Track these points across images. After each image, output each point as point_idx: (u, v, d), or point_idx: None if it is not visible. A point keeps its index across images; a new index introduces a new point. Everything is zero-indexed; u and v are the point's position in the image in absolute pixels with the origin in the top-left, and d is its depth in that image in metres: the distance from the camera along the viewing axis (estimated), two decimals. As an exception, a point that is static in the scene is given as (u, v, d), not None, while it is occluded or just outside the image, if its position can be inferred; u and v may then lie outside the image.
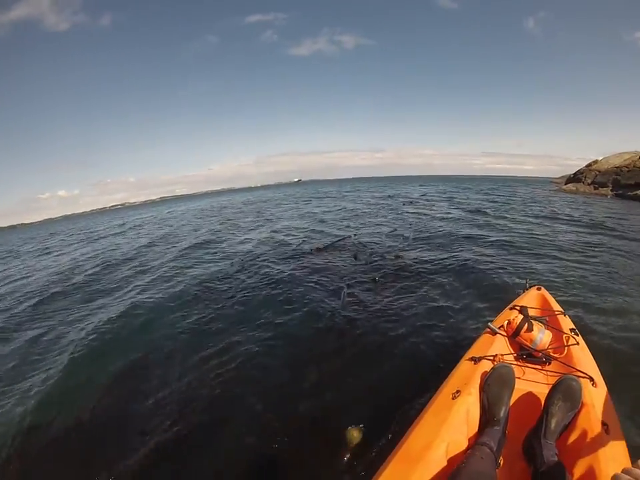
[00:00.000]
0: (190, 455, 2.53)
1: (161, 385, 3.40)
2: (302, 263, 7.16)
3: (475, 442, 1.51)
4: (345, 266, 6.76)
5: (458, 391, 1.72)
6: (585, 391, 1.64)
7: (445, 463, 1.40)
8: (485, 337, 2.25)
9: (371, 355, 3.61)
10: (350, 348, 3.75)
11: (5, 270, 12.28)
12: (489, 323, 2.31)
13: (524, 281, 3.30)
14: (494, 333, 2.22)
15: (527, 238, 8.93)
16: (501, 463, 1.52)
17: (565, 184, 30.83)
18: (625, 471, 0.85)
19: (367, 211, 16.75)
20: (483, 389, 1.71)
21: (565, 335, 2.15)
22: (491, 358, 1.95)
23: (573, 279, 5.52)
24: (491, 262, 6.54)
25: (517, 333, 2.13)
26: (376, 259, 7.17)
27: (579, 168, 30.97)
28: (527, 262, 6.54)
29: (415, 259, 7.04)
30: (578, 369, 1.85)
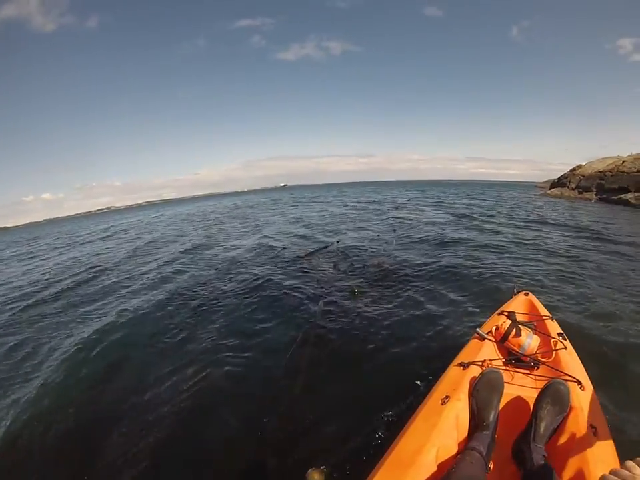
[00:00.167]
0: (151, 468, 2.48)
1: (127, 397, 3.34)
2: (282, 272, 6.98)
3: (465, 447, 1.51)
4: (325, 275, 6.57)
5: (447, 397, 1.72)
6: (573, 395, 1.65)
7: (435, 468, 1.40)
8: (473, 343, 2.25)
9: (350, 365, 3.52)
10: (327, 359, 3.67)
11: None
12: (477, 329, 2.32)
13: (512, 287, 3.33)
14: (482, 338, 2.23)
15: (513, 242, 9.00)
16: (491, 467, 1.52)
17: (550, 188, 31.32)
18: (612, 472, 0.85)
19: (351, 216, 16.64)
20: (472, 394, 1.72)
21: (553, 340, 2.18)
22: (480, 363, 1.96)
23: (560, 283, 5.57)
24: (478, 267, 6.54)
25: (505, 338, 2.14)
26: (357, 266, 7.02)
27: (561, 172, 31.55)
28: (515, 267, 6.56)
29: (397, 265, 6.94)
30: (566, 372, 1.87)
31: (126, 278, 7.94)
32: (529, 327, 2.25)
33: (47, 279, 9.13)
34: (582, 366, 2.04)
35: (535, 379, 1.96)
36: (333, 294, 5.48)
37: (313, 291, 5.65)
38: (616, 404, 2.53)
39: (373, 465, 1.48)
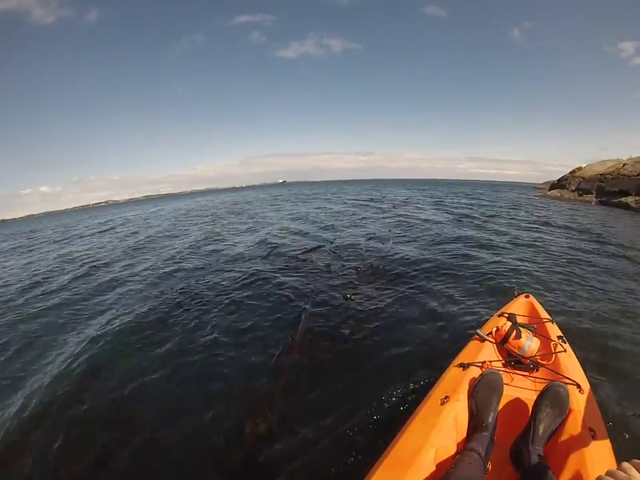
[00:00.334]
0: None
1: (106, 395, 3.33)
2: (273, 272, 6.71)
3: (464, 447, 1.52)
4: (318, 277, 6.31)
5: (447, 397, 1.74)
6: (572, 398, 1.66)
7: (433, 468, 1.41)
8: (473, 344, 2.27)
9: (339, 370, 3.37)
10: (312, 364, 3.51)
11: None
12: (478, 330, 2.33)
13: (512, 288, 3.34)
14: (482, 339, 2.24)
15: (514, 243, 9.02)
16: (489, 469, 1.53)
17: (549, 190, 31.40)
18: (608, 473, 0.86)
19: (349, 214, 16.49)
20: (471, 395, 1.73)
21: (553, 342, 2.19)
22: (480, 364, 1.97)
23: (560, 286, 5.58)
24: (477, 268, 6.52)
25: (505, 340, 2.16)
26: (351, 267, 6.79)
27: (560, 174, 31.63)
28: (515, 268, 6.56)
29: (392, 266, 6.81)
30: (565, 375, 1.88)
31: (122, 274, 7.85)
32: (529, 329, 2.26)
33: (41, 274, 9.04)
34: (581, 369, 2.06)
35: (535, 381, 1.97)
36: (324, 297, 5.30)
37: (303, 294, 5.46)
38: (613, 407, 2.55)
39: (371, 465, 1.48)
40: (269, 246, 9.28)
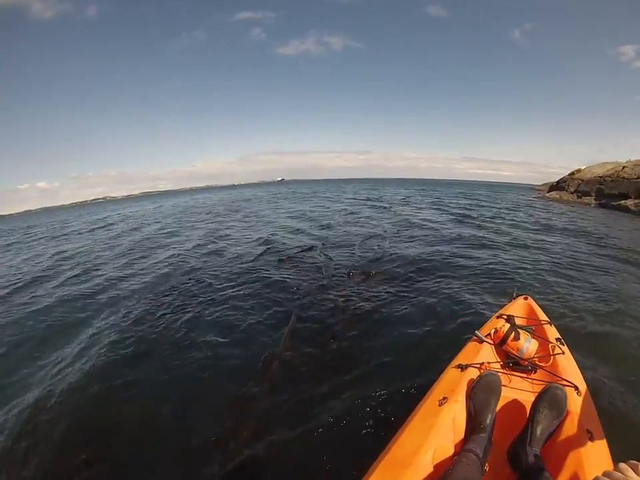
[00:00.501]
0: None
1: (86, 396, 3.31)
2: (260, 275, 6.48)
3: (462, 448, 1.53)
4: (309, 279, 6.12)
5: (445, 398, 1.74)
6: (570, 400, 1.68)
7: (431, 469, 1.42)
8: (471, 345, 2.28)
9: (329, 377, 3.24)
10: (292, 390, 3.17)
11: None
12: (476, 331, 2.35)
13: (511, 290, 3.36)
14: (481, 341, 2.26)
15: (513, 245, 9.06)
16: (487, 470, 1.54)
17: (548, 191, 31.52)
18: (605, 474, 0.88)
19: (346, 214, 16.39)
20: (469, 396, 1.74)
21: (551, 344, 2.21)
22: (478, 366, 1.98)
23: (560, 288, 5.61)
24: (476, 270, 6.54)
25: (503, 341, 2.17)
26: (343, 270, 6.56)
27: (559, 176, 31.80)
28: (514, 270, 6.59)
29: (387, 268, 6.65)
30: (563, 377, 1.90)
31: (113, 274, 7.70)
32: (527, 331, 2.27)
33: (35, 273, 8.83)
34: (579, 371, 2.07)
35: (533, 383, 1.99)
36: (315, 298, 5.18)
37: (294, 295, 5.33)
38: (611, 409, 2.57)
39: (369, 465, 1.49)
40: (263, 246, 9.21)
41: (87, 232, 17.42)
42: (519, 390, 1.93)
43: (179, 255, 8.92)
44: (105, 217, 26.46)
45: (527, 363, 2.08)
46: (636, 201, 19.68)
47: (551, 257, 7.82)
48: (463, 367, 1.98)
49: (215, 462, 2.42)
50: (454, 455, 1.54)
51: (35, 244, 15.48)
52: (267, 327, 4.41)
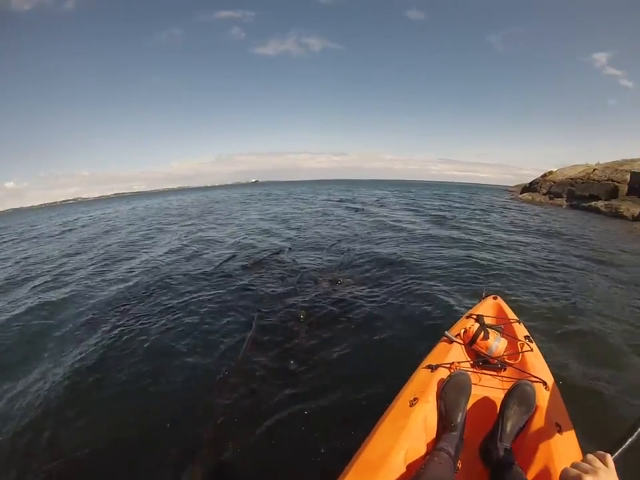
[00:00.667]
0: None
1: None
2: (225, 281, 6.30)
3: (433, 448, 1.57)
4: (271, 289, 5.81)
5: (415, 399, 1.78)
6: (539, 395, 1.74)
7: (404, 470, 1.45)
8: (441, 346, 2.34)
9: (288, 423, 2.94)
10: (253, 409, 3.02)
11: None
12: (446, 332, 2.41)
13: (481, 290, 3.44)
14: (450, 341, 2.32)
15: (485, 245, 9.30)
16: (459, 467, 1.58)
17: (521, 193, 32.36)
18: (573, 465, 0.93)
19: (318, 215, 16.43)
20: (440, 396, 1.78)
21: (520, 342, 2.29)
22: (448, 365, 2.03)
23: (529, 287, 5.83)
24: (447, 270, 6.68)
25: (473, 340, 2.23)
26: (309, 280, 6.26)
27: (532, 177, 32.79)
28: (485, 270, 6.79)
29: (355, 273, 6.58)
30: (532, 374, 1.97)
31: (81, 281, 7.35)
32: (496, 330, 2.34)
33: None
34: (547, 367, 2.16)
35: (502, 381, 2.05)
36: (274, 314, 4.88)
37: (247, 314, 4.93)
38: (579, 402, 2.67)
39: (342, 469, 1.51)
40: (232, 249, 9.13)
41: (57, 235, 16.68)
42: (489, 388, 1.99)
43: (146, 260, 8.67)
44: (76, 219, 25.35)
45: (496, 361, 2.15)
46: (606, 202, 20.56)
47: (521, 257, 8.08)
48: (433, 368, 2.02)
49: (175, 473, 2.40)
50: (426, 454, 1.57)
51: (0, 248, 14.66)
52: (228, 336, 4.31)
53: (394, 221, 13.75)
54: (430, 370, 2.02)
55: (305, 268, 7.02)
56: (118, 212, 29.26)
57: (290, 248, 9.06)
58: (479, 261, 7.49)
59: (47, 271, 8.54)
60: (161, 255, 9.06)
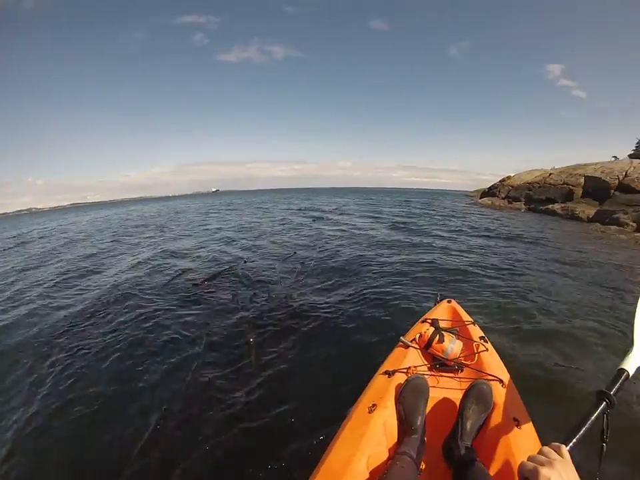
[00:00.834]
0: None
1: None
2: (171, 303, 5.81)
3: (395, 452, 1.60)
4: (220, 308, 5.47)
5: (374, 405, 1.82)
6: (496, 392, 1.82)
7: (367, 476, 1.48)
8: (397, 351, 2.39)
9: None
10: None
11: None
12: (401, 337, 2.46)
13: (435, 295, 3.51)
14: (406, 346, 2.38)
15: (443, 249, 9.61)
16: (423, 469, 1.64)
17: (481, 197, 33.51)
18: (530, 458, 0.98)
19: (275, 226, 16.24)
20: (398, 400, 1.82)
21: (475, 343, 2.37)
22: (405, 370, 2.08)
23: (485, 288, 6.07)
24: (405, 278, 6.75)
25: (429, 344, 2.30)
26: (261, 297, 5.90)
27: (490, 182, 34.12)
28: (441, 274, 7.00)
29: (310, 289, 6.26)
30: (488, 373, 2.05)
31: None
32: (451, 333, 2.41)
33: None
34: (503, 365, 2.25)
35: (460, 381, 2.12)
36: (224, 336, 4.55)
37: (200, 332, 4.67)
38: (534, 396, 2.79)
39: (305, 479, 1.53)
40: (185, 261, 8.97)
41: (11, 249, 15.43)
42: (447, 389, 2.05)
43: (101, 276, 8.21)
44: (29, 232, 23.89)
45: (453, 363, 2.22)
46: (562, 205, 21.76)
47: (481, 260, 8.38)
48: (390, 373, 2.06)
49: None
50: (388, 459, 1.60)
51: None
52: (175, 356, 4.05)
53: (353, 228, 13.97)
54: (387, 376, 2.06)
55: (260, 280, 6.90)
56: (75, 223, 28.15)
57: (245, 260, 8.80)
58: (438, 265, 7.70)
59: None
60: (117, 271, 8.62)
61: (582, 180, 22.90)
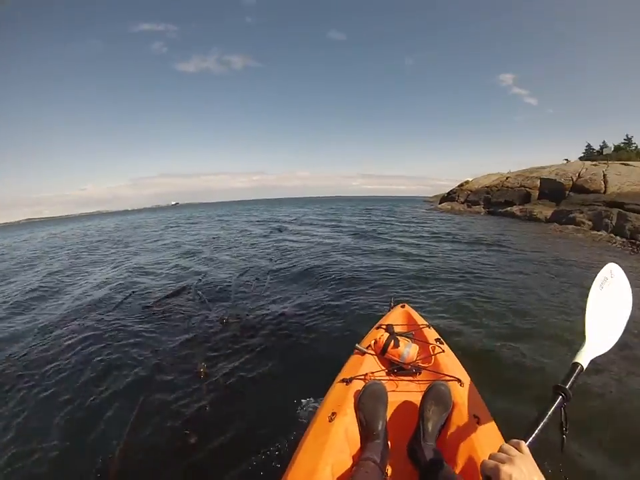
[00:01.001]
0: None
1: None
2: (116, 331, 5.38)
3: (359, 459, 1.63)
4: (166, 339, 5.01)
5: (334, 413, 1.84)
6: (455, 392, 1.89)
7: None
8: (354, 358, 2.43)
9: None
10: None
11: None
12: (357, 344, 2.50)
13: (389, 300, 3.56)
14: (362, 353, 2.42)
15: (405, 255, 9.80)
16: (389, 473, 1.67)
17: (440, 202, 34.40)
18: (491, 457, 1.02)
19: (232, 239, 16.06)
20: (357, 407, 1.86)
21: (431, 345, 2.44)
22: (362, 377, 2.12)
23: (440, 290, 6.26)
24: (362, 285, 6.84)
25: (384, 350, 2.35)
26: (215, 321, 5.52)
27: (449, 187, 35.07)
28: (398, 279, 7.17)
29: (267, 309, 5.90)
30: (446, 373, 2.12)
31: None
32: (407, 337, 2.49)
33: None
34: (460, 365, 2.33)
35: (419, 384, 2.18)
36: (170, 374, 4.07)
37: (143, 371, 4.19)
38: (493, 394, 2.89)
39: None
40: (137, 280, 8.64)
41: None
42: (406, 392, 2.11)
43: (47, 303, 7.52)
44: None
45: (410, 366, 2.27)
46: (520, 207, 22.73)
47: (439, 264, 8.58)
48: (347, 381, 2.10)
49: None
50: (352, 466, 1.63)
51: None
52: (114, 403, 3.58)
53: (313, 238, 14.06)
54: (345, 383, 2.09)
55: (216, 296, 6.79)
56: (30, 240, 27.19)
57: (203, 275, 8.66)
58: (398, 271, 7.84)
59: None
60: (70, 293, 8.13)
61: (538, 182, 24.29)
